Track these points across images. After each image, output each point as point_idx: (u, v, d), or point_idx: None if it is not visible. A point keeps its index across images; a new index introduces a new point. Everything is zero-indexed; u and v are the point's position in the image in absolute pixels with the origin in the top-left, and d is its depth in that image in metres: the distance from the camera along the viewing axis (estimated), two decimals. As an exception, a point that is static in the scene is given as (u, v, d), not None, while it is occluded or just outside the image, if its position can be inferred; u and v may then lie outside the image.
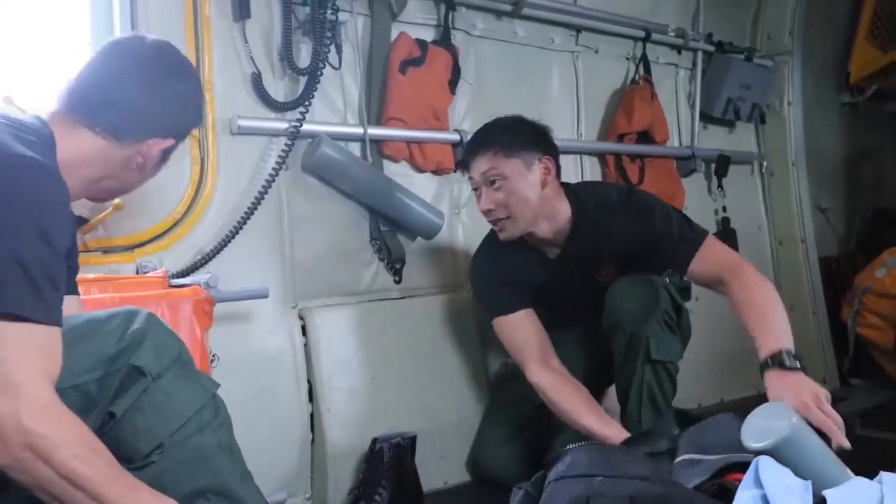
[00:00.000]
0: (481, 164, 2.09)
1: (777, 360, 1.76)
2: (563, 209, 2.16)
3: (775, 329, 1.84)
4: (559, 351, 2.22)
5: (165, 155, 1.50)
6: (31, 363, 1.11)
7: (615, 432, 1.98)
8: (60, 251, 1.18)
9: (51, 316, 1.15)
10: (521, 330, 2.21)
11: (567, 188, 2.22)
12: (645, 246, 2.10)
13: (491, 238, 2.27)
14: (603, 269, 2.20)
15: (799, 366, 1.76)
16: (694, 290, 3.24)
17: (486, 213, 2.12)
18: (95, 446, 1.14)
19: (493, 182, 2.08)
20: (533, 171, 2.09)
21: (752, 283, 1.97)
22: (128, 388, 1.27)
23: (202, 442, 1.31)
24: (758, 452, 1.42)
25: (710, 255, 2.07)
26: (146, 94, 1.43)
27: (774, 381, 1.74)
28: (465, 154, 2.17)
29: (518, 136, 2.10)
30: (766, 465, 1.37)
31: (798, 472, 1.40)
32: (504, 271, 2.23)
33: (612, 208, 2.15)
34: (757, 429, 1.47)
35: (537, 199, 2.10)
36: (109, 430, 1.25)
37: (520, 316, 2.22)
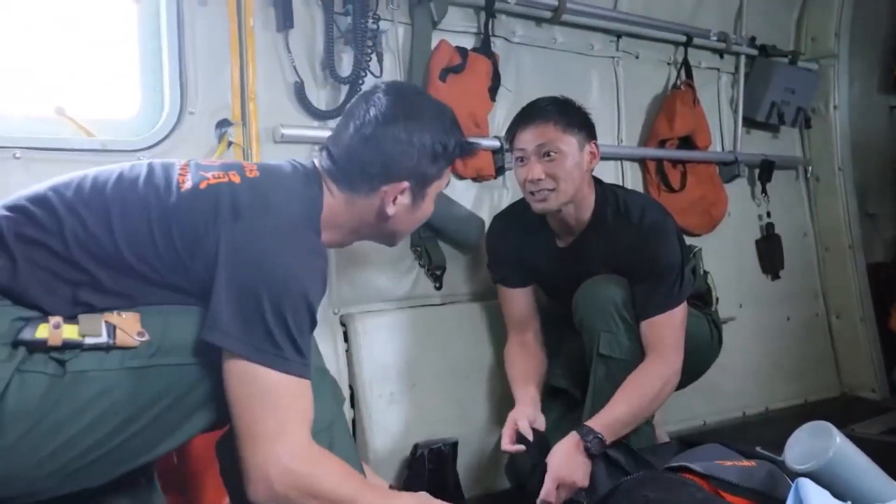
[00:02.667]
0: (538, 135, 2.10)
1: (584, 432, 1.96)
2: (590, 201, 2.20)
3: (614, 415, 1.99)
4: (558, 336, 2.34)
5: (415, 196, 1.56)
6: (292, 415, 1.31)
7: (523, 394, 2.19)
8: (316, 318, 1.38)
9: (306, 371, 1.34)
10: (515, 304, 2.36)
11: (598, 184, 2.23)
12: (633, 270, 2.12)
13: (510, 211, 2.35)
14: (600, 272, 2.20)
15: (594, 454, 1.94)
16: (738, 297, 3.23)
17: (532, 182, 2.12)
18: (345, 467, 1.37)
19: (547, 154, 2.10)
20: (583, 153, 2.13)
21: (653, 372, 2.05)
22: None
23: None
24: (803, 475, 1.41)
25: (663, 325, 2.09)
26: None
27: (565, 445, 1.95)
28: (518, 122, 2.17)
29: (575, 116, 2.15)
30: (805, 488, 1.36)
31: (844, 491, 1.38)
32: (513, 249, 2.31)
33: (626, 223, 2.16)
34: (801, 450, 1.46)
35: (580, 180, 2.14)
36: None
37: (517, 292, 2.35)
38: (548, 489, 1.91)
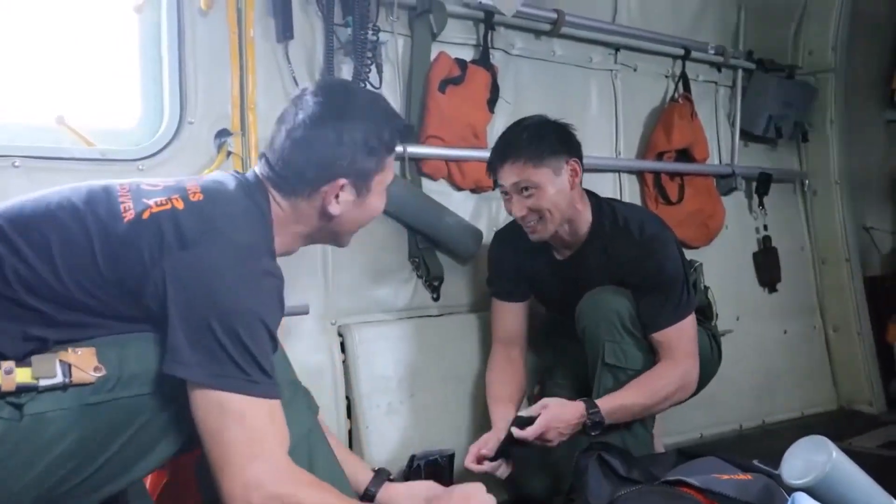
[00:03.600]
0: (511, 175, 2.10)
1: (589, 406, 1.99)
2: (585, 215, 2.19)
3: (622, 402, 2.03)
4: (560, 347, 2.34)
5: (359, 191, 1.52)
6: (265, 437, 1.29)
7: (501, 418, 2.15)
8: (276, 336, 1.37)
9: (274, 392, 1.32)
10: (506, 318, 2.36)
11: (592, 198, 2.24)
12: (638, 284, 2.12)
13: (511, 226, 2.33)
14: (601, 284, 2.20)
15: (588, 423, 1.98)
16: (735, 311, 3.23)
17: (520, 218, 2.13)
18: (323, 486, 1.34)
19: (525, 189, 2.09)
20: (561, 176, 2.11)
21: (669, 374, 2.08)
22: None
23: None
24: (799, 489, 1.41)
25: (674, 337, 2.11)
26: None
27: (568, 407, 1.99)
28: (493, 160, 2.17)
29: (544, 142, 2.10)
30: (801, 501, 1.36)
31: None
32: (514, 263, 2.31)
33: (626, 235, 2.16)
34: (797, 465, 1.45)
35: (566, 203, 2.13)
36: None
37: (512, 307, 2.36)
38: (535, 430, 1.94)
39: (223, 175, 1.51)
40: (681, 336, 2.11)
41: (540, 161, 2.07)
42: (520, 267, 2.31)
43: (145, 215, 1.34)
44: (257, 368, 1.29)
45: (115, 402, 1.28)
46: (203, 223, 1.34)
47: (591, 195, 2.25)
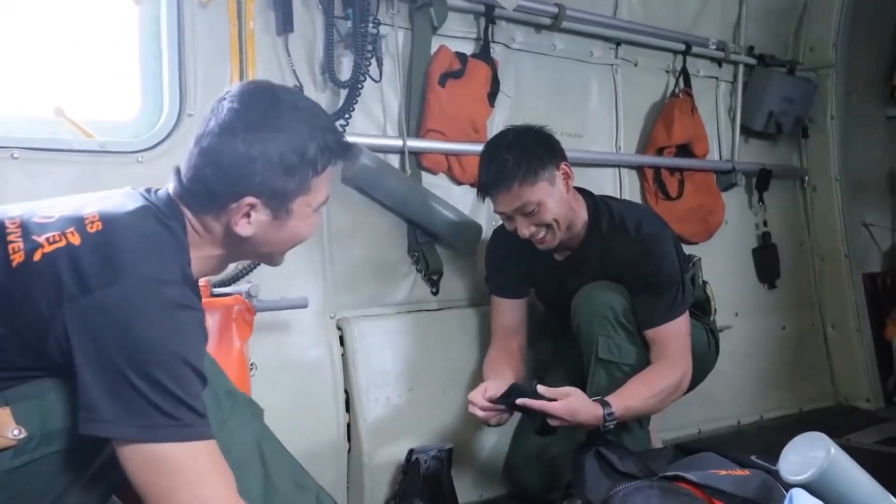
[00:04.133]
0: (508, 202, 2.07)
1: (606, 411, 1.94)
2: (581, 214, 2.20)
3: (633, 404, 2.00)
4: (557, 345, 2.34)
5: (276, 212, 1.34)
6: (208, 478, 1.17)
7: (496, 377, 2.15)
8: (202, 370, 1.21)
9: (207, 432, 1.19)
10: (505, 314, 2.36)
11: (587, 197, 2.23)
12: (634, 282, 2.12)
13: None
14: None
15: (604, 425, 1.94)
16: (734, 306, 3.23)
17: (527, 236, 2.13)
18: None
19: (526, 209, 2.08)
20: (556, 184, 2.10)
21: (666, 373, 2.07)
22: None
23: None
24: (797, 486, 1.41)
25: (668, 335, 2.10)
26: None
27: (590, 406, 1.94)
28: (485, 188, 2.12)
29: (532, 156, 2.06)
30: (799, 498, 1.37)
31: (838, 502, 1.39)
32: (512, 262, 2.30)
33: (623, 233, 2.16)
34: (795, 461, 1.46)
35: (566, 208, 2.13)
36: None
37: (511, 303, 2.36)
38: (557, 407, 1.89)
39: (127, 194, 1.33)
40: (674, 334, 2.11)
41: (535, 178, 2.05)
42: (518, 266, 2.31)
43: (36, 257, 1.18)
44: (186, 409, 1.15)
45: (40, 461, 1.18)
46: (104, 260, 1.18)
47: (585, 194, 2.25)
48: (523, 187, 2.04)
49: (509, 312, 2.36)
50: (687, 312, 2.16)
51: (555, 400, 1.91)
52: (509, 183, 2.04)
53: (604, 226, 2.18)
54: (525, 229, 2.10)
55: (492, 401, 2.01)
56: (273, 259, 1.46)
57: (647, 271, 2.10)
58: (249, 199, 1.29)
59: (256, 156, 1.27)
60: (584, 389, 2.09)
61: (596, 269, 2.18)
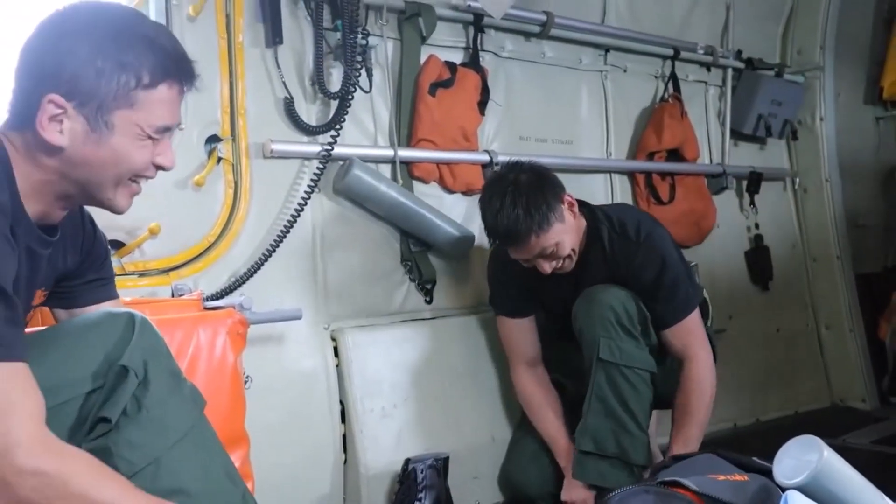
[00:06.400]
0: (529, 250, 2.09)
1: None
2: (581, 227, 2.21)
3: (686, 438, 2.10)
4: (562, 358, 2.31)
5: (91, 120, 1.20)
6: (11, 406, 1.07)
7: (563, 442, 2.23)
8: (6, 286, 1.09)
9: (11, 353, 1.09)
10: (519, 334, 2.36)
11: (582, 207, 2.24)
12: (643, 286, 2.15)
13: None
14: None
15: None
16: (728, 309, 3.24)
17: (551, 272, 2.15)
18: (104, 471, 1.14)
19: (546, 251, 2.10)
20: (566, 218, 2.12)
21: (700, 377, 2.15)
22: (116, 389, 1.24)
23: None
24: (791, 489, 1.42)
25: (686, 330, 2.17)
26: None
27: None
28: (505, 245, 2.15)
29: (541, 203, 2.05)
30: (794, 501, 1.37)
31: (834, 503, 1.39)
32: (516, 279, 2.29)
33: (625, 239, 2.17)
34: (789, 464, 1.46)
35: (578, 234, 2.18)
36: (101, 438, 1.23)
37: (521, 322, 2.35)
38: None
39: None
40: (691, 330, 2.17)
41: (548, 224, 2.06)
42: (522, 284, 2.29)
43: None
44: None
45: None
46: None
47: (583, 205, 2.25)
48: (540, 237, 2.06)
49: (525, 332, 2.36)
50: (697, 307, 2.21)
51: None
52: (526, 237, 2.06)
53: (604, 234, 2.19)
54: (547, 267, 2.13)
55: None
56: (104, 192, 1.26)
57: (655, 273, 2.13)
58: (54, 97, 1.16)
59: (63, 49, 1.17)
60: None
61: (599, 277, 2.19)
